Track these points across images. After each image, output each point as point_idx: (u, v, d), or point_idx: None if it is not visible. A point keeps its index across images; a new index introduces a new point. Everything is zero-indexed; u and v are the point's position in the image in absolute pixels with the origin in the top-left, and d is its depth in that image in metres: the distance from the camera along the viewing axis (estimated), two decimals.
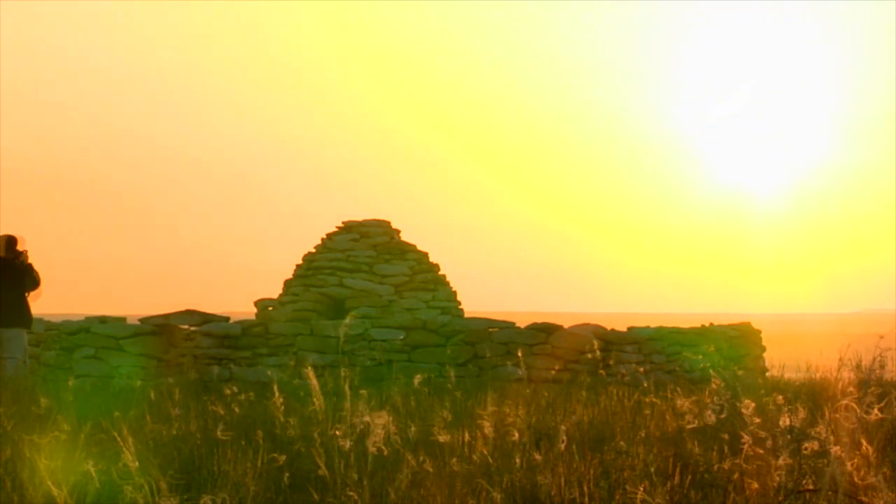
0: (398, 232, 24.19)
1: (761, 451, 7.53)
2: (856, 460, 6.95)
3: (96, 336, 18.85)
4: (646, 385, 14.71)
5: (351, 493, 7.16)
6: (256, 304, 23.86)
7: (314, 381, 9.77)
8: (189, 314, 19.71)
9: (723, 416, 9.66)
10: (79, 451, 8.95)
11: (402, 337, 18.89)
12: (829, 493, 6.56)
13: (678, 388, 13.14)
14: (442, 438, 8.90)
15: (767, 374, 20.41)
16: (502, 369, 17.74)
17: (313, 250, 24.04)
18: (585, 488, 7.32)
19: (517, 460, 8.17)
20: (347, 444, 7.95)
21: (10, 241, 15.63)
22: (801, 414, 7.79)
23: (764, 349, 21.26)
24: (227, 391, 12.83)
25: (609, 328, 19.13)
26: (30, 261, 15.80)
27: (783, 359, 20.36)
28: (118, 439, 7.45)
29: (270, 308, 23.48)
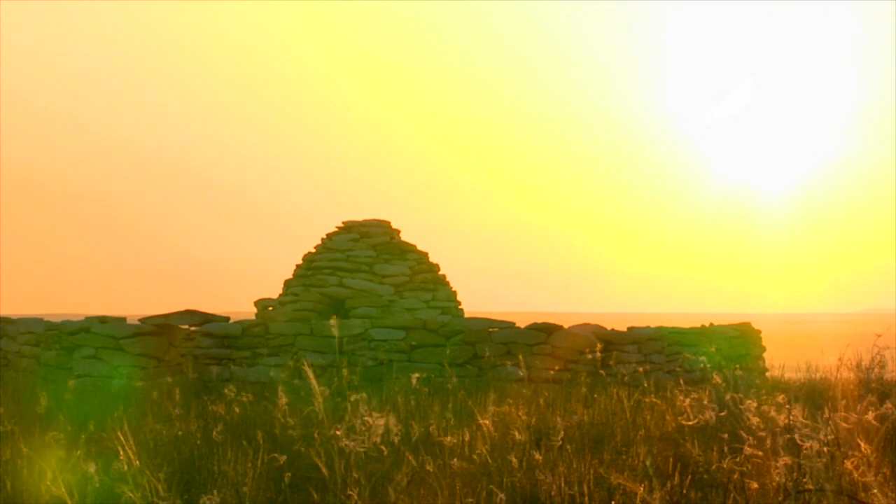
0: (398, 232, 24.20)
1: (760, 452, 7.53)
2: (856, 460, 6.96)
3: (96, 336, 18.83)
4: (645, 385, 14.71)
5: (351, 493, 7.16)
6: (256, 304, 23.87)
7: (314, 382, 9.79)
8: (189, 314, 19.72)
9: (723, 414, 9.67)
10: (79, 450, 8.95)
11: (402, 337, 18.88)
12: (829, 493, 6.56)
13: (678, 388, 13.15)
14: (442, 438, 8.90)
15: (767, 374, 20.41)
16: (502, 369, 17.73)
17: (313, 250, 24.05)
18: (585, 488, 7.32)
19: (517, 460, 8.17)
20: (347, 444, 7.95)
21: None
22: (801, 414, 7.79)
23: (764, 349, 21.24)
24: (227, 391, 12.83)
25: (609, 328, 19.12)
26: None
27: (783, 359, 20.37)
28: (118, 439, 7.46)
29: (270, 308, 23.48)
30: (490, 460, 8.29)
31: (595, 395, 13.47)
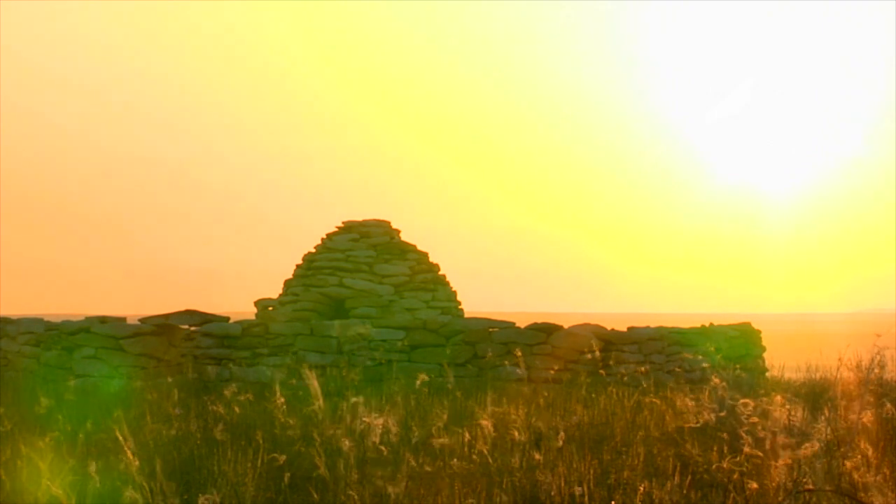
0: (398, 232, 24.17)
1: (760, 452, 7.53)
2: (856, 460, 6.96)
3: (96, 336, 18.82)
4: (645, 385, 14.71)
5: (351, 493, 7.15)
6: (256, 304, 23.84)
7: (314, 382, 9.78)
8: (189, 314, 19.70)
9: (723, 415, 9.66)
10: (79, 450, 8.95)
11: (402, 337, 18.87)
12: (829, 493, 6.56)
13: (678, 388, 13.15)
14: (442, 439, 8.90)
15: (767, 374, 20.40)
16: (502, 369, 17.72)
17: (313, 250, 24.02)
18: (585, 488, 7.31)
19: (517, 460, 8.17)
20: (347, 444, 7.95)
21: None
22: (801, 414, 7.79)
23: (764, 349, 21.23)
24: (227, 391, 12.83)
25: (609, 328, 19.10)
26: None
27: (783, 359, 20.36)
28: (118, 439, 7.45)
29: (270, 308, 23.46)
30: (490, 460, 8.29)
31: (595, 396, 13.46)
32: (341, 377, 15.14)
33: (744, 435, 7.64)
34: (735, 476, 7.33)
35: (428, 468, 7.85)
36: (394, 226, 24.35)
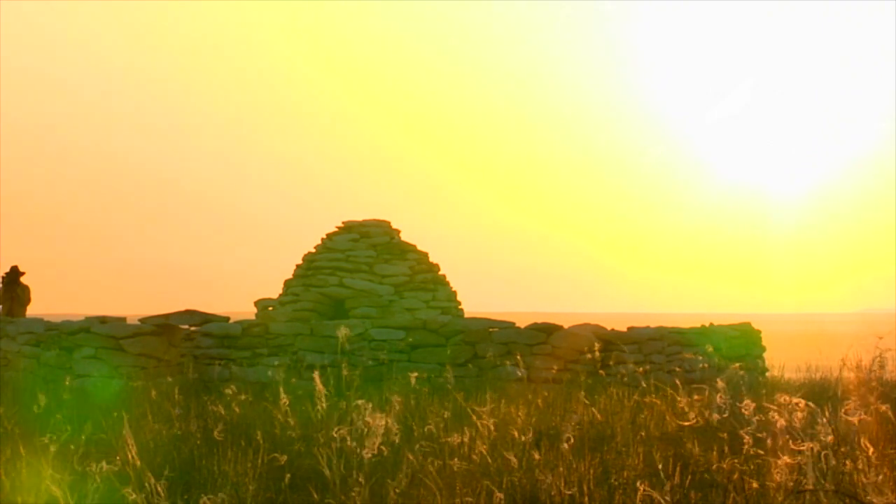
0: (398, 232, 24.16)
1: (761, 452, 7.53)
2: (856, 461, 6.96)
3: (96, 336, 18.81)
4: (645, 385, 14.71)
5: (351, 493, 7.16)
6: (256, 304, 23.83)
7: (314, 382, 9.77)
8: (189, 314, 19.69)
9: (724, 415, 9.66)
10: (79, 450, 8.94)
11: (402, 337, 18.87)
12: (829, 493, 6.56)
13: (678, 389, 13.14)
14: (442, 439, 8.90)
15: (767, 374, 20.39)
16: (502, 369, 17.71)
17: (313, 250, 24.02)
18: (585, 488, 7.31)
19: (517, 460, 8.17)
20: (347, 444, 7.94)
21: (17, 270, 22.61)
22: (801, 414, 7.79)
23: (764, 349, 21.22)
24: (227, 391, 12.83)
25: (609, 328, 19.09)
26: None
27: (783, 359, 20.35)
28: (118, 439, 7.45)
29: (270, 308, 23.45)
30: (490, 460, 8.29)
31: (595, 396, 13.46)
32: (341, 377, 15.14)
33: (744, 435, 7.63)
34: (735, 476, 7.33)
35: (428, 468, 7.85)
36: (394, 226, 24.34)
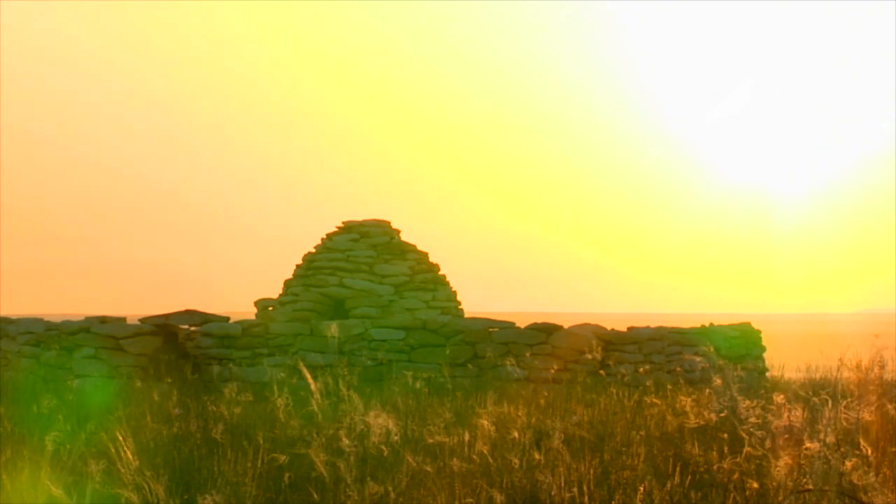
0: (398, 232, 24.16)
1: (761, 452, 7.53)
2: (856, 460, 6.95)
3: (96, 336, 18.82)
4: (645, 385, 14.71)
5: (351, 493, 7.15)
6: (256, 304, 23.83)
7: (314, 382, 9.77)
8: (189, 314, 19.69)
9: (723, 415, 9.66)
10: (79, 450, 8.95)
11: (402, 337, 18.86)
12: (829, 493, 6.56)
13: (678, 389, 13.15)
14: (442, 439, 8.90)
15: (767, 374, 20.39)
16: (502, 369, 17.71)
17: (313, 250, 24.02)
18: (585, 488, 7.31)
19: (517, 460, 8.17)
20: (347, 444, 7.94)
21: None
22: (801, 414, 7.79)
23: (764, 349, 21.22)
24: (227, 391, 12.83)
25: (609, 328, 19.10)
26: None
27: (783, 359, 20.34)
28: (118, 439, 7.45)
29: (270, 308, 23.45)
30: (490, 460, 8.29)
31: (595, 396, 13.46)
32: (341, 377, 15.15)
33: (744, 435, 7.64)
34: (735, 476, 7.33)
35: (428, 468, 7.85)
36: (394, 226, 24.34)
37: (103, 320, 19.28)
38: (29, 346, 19.71)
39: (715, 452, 8.63)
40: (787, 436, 7.54)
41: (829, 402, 8.19)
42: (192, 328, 19.80)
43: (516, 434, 9.03)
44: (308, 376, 10.36)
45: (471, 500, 7.24)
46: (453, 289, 24.23)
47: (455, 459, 8.14)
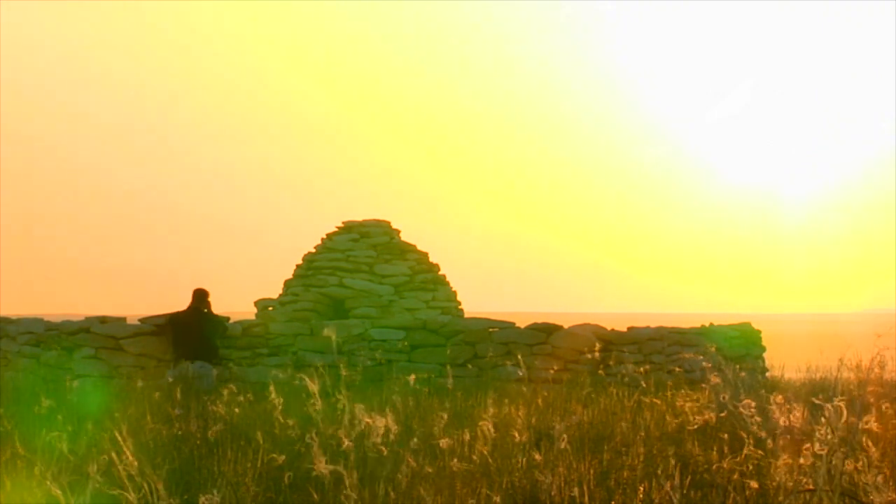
0: (398, 232, 24.16)
1: (761, 452, 7.52)
2: (856, 461, 6.95)
3: (96, 336, 18.83)
4: (645, 385, 14.71)
5: (351, 493, 7.15)
6: (256, 304, 23.84)
7: (314, 382, 9.75)
8: None
9: (723, 415, 9.66)
10: (79, 450, 8.94)
11: (402, 337, 18.87)
12: (829, 493, 6.55)
13: (678, 389, 13.14)
14: (442, 439, 8.90)
15: (767, 374, 20.39)
16: (502, 369, 17.72)
17: (313, 250, 24.02)
18: (585, 488, 7.31)
19: (517, 460, 8.17)
20: (347, 444, 7.94)
21: (202, 293, 18.52)
22: (801, 414, 7.78)
23: (764, 349, 21.22)
24: (227, 391, 12.82)
25: (609, 328, 19.10)
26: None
27: (783, 359, 20.34)
28: (118, 439, 7.45)
29: (270, 308, 23.45)
30: (490, 461, 8.29)
31: (595, 396, 13.46)
32: (341, 377, 15.13)
33: (744, 435, 7.63)
34: (735, 476, 7.33)
35: (428, 468, 7.85)
36: (394, 226, 24.33)
37: (103, 320, 19.28)
38: (29, 346, 19.71)
39: (715, 452, 8.63)
40: (787, 436, 7.54)
41: (830, 403, 8.19)
42: None
43: (516, 434, 9.03)
44: (308, 376, 10.35)
45: (471, 500, 7.24)
46: (453, 289, 24.23)
47: (455, 460, 8.14)
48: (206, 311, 18.59)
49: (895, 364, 12.37)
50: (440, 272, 24.19)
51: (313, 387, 8.99)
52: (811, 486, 6.71)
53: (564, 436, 8.27)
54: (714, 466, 7.77)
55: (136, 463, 6.96)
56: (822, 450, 6.60)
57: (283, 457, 7.94)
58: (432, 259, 24.27)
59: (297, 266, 24.14)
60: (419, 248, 24.26)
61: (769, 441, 7.78)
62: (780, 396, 8.17)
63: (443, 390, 14.83)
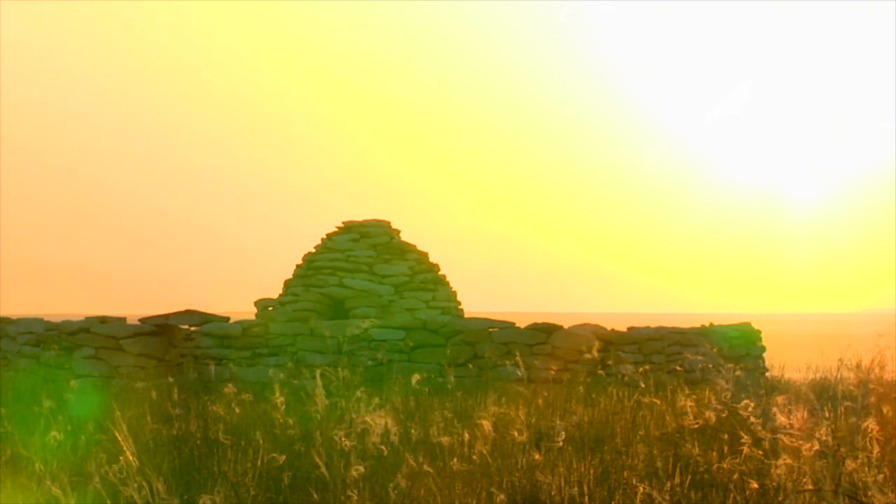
0: (398, 232, 24.18)
1: (761, 452, 7.52)
2: (856, 461, 6.95)
3: (96, 336, 18.83)
4: (645, 385, 14.70)
5: (351, 493, 7.15)
6: (256, 304, 23.84)
7: (314, 382, 9.76)
8: (189, 314, 19.70)
9: (723, 415, 9.66)
10: (79, 451, 8.95)
11: (402, 337, 18.86)
12: (829, 493, 6.55)
13: (678, 389, 13.14)
14: (441, 439, 8.90)
15: (767, 374, 20.40)
16: (502, 369, 17.72)
17: (313, 250, 24.03)
18: (585, 488, 7.31)
19: (517, 460, 8.17)
20: (347, 444, 7.94)
21: None
22: (801, 414, 7.79)
23: (764, 349, 21.23)
24: (227, 391, 12.83)
25: (609, 328, 19.09)
26: None
27: (783, 359, 20.34)
28: (118, 439, 7.44)
29: (270, 308, 23.46)
30: (490, 461, 8.29)
31: (595, 396, 13.46)
32: (341, 377, 15.13)
33: (744, 435, 7.63)
34: (735, 476, 7.32)
35: (428, 468, 7.85)
36: (394, 226, 24.35)
37: (103, 320, 19.28)
38: (29, 346, 19.71)
39: (715, 452, 8.62)
40: (787, 436, 7.53)
41: (829, 403, 8.20)
42: (192, 328, 19.80)
43: (516, 434, 9.02)
44: (311, 376, 10.36)
45: (471, 500, 7.24)
46: (453, 289, 24.24)
47: (455, 459, 8.14)
48: None
49: (895, 364, 12.37)
50: (440, 272, 24.19)
51: (313, 387, 9.01)
52: (811, 486, 6.71)
53: (562, 434, 8.27)
54: (714, 466, 7.76)
55: (136, 463, 6.97)
56: (822, 450, 6.60)
57: (283, 457, 7.94)
58: (432, 259, 24.28)
59: (297, 266, 24.15)
60: (419, 248, 24.27)
61: (769, 441, 7.78)
62: (780, 397, 8.18)
63: (443, 390, 14.82)
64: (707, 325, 20.75)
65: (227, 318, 19.81)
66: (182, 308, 19.60)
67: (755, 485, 6.94)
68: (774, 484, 7.01)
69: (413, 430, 9.94)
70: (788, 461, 7.00)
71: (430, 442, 9.14)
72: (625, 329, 19.33)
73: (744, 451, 7.44)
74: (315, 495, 7.37)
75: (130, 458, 6.98)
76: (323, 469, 7.50)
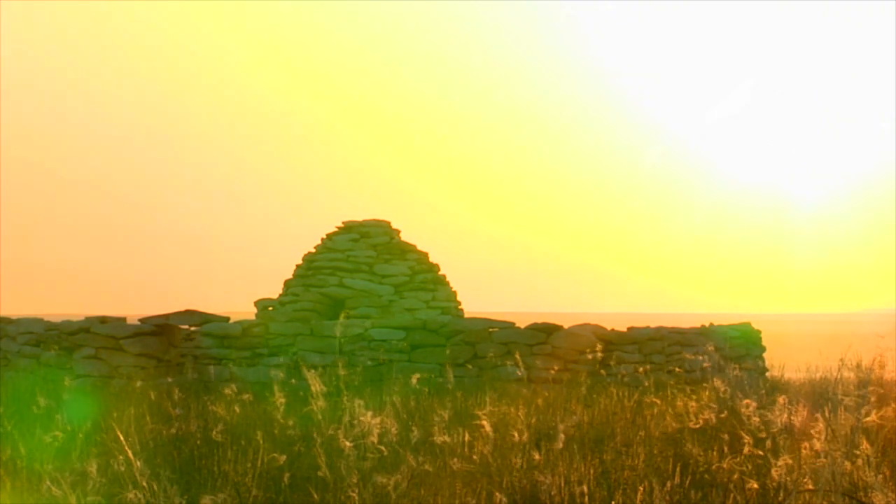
0: (398, 232, 24.18)
1: (761, 452, 7.52)
2: (856, 460, 6.95)
3: (96, 336, 18.83)
4: (645, 385, 14.71)
5: (351, 494, 7.15)
6: (256, 304, 23.85)
7: (314, 382, 9.77)
8: (189, 314, 19.70)
9: (723, 415, 9.66)
10: (79, 450, 8.95)
11: (402, 337, 18.86)
12: (829, 493, 6.55)
13: (678, 389, 13.14)
14: (441, 439, 8.90)
15: (767, 373, 20.40)
16: (502, 369, 17.71)
17: (313, 250, 24.03)
18: (585, 488, 7.31)
19: (517, 460, 8.16)
20: (347, 444, 7.95)
21: None
22: (802, 414, 7.79)
23: (764, 349, 21.23)
24: (227, 391, 12.83)
25: (609, 328, 19.09)
26: None
27: (783, 359, 20.35)
28: (118, 439, 7.45)
29: (270, 308, 23.46)
30: (490, 461, 8.29)
31: (595, 396, 13.46)
32: (341, 377, 15.12)
33: (744, 435, 7.64)
34: (735, 476, 7.32)
35: (428, 468, 7.85)
36: (394, 226, 24.35)
37: (103, 320, 19.28)
38: (29, 346, 19.71)
39: (715, 452, 8.62)
40: (787, 436, 7.54)
41: (829, 403, 8.20)
42: (192, 328, 19.80)
43: (516, 434, 9.03)
44: (308, 376, 10.37)
45: (471, 500, 7.24)
46: (453, 289, 24.24)
47: (455, 459, 8.14)
48: None
49: (895, 364, 12.37)
50: (440, 272, 24.19)
51: (314, 387, 9.02)
52: (811, 486, 6.71)
53: (562, 435, 8.28)
54: (714, 466, 7.76)
55: (137, 463, 6.97)
56: (822, 450, 6.60)
57: (283, 457, 7.95)
58: (432, 259, 24.28)
59: (297, 266, 24.14)
60: (419, 248, 24.27)
61: (769, 441, 7.78)
62: (781, 397, 8.18)
63: (443, 390, 14.83)
64: (707, 325, 20.75)
65: (227, 318, 19.81)
66: (182, 308, 19.60)
67: (755, 485, 6.94)
68: (774, 484, 7.01)
69: (413, 430, 9.94)
70: (788, 461, 7.00)
71: (430, 442, 9.14)
72: (625, 329, 19.32)
73: (744, 451, 7.45)
74: (315, 495, 7.37)
75: (131, 457, 6.99)
76: (324, 469, 7.51)
